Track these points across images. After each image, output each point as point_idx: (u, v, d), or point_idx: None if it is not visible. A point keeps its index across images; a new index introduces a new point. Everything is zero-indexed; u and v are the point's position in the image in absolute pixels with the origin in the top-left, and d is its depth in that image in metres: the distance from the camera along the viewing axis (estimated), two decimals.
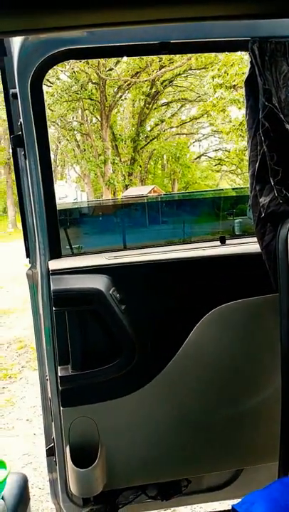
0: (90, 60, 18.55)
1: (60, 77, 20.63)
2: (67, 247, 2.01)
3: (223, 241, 1.92)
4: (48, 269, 1.71)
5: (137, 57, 18.77)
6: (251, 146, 1.57)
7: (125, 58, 19.41)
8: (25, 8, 0.58)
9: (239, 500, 1.96)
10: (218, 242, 1.94)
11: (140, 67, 21.88)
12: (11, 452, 3.38)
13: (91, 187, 26.41)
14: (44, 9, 0.59)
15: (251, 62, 1.49)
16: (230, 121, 16.14)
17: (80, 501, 1.91)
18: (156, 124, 29.11)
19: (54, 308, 1.69)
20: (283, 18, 0.73)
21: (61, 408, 1.74)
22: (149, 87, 24.58)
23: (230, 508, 2.32)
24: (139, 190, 23.10)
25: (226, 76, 12.19)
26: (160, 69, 21.23)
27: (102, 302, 1.68)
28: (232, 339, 1.84)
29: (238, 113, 14.79)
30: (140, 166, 27.68)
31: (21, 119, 1.58)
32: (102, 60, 19.23)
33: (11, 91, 1.58)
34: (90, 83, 22.03)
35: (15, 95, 1.56)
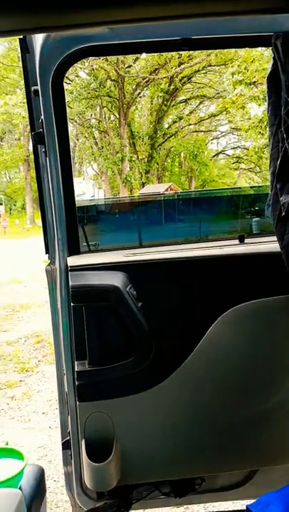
0: (109, 57, 18.58)
1: (79, 75, 20.72)
2: (84, 243, 2.03)
3: (242, 240, 1.91)
4: (67, 265, 1.73)
5: (156, 54, 18.71)
6: (273, 144, 1.55)
7: (144, 55, 19.38)
8: (47, 6, 0.59)
9: (253, 500, 1.96)
10: (236, 241, 1.93)
11: (159, 64, 21.82)
12: (27, 444, 3.43)
13: (108, 184, 26.49)
14: (66, 6, 0.59)
15: (274, 57, 1.47)
16: (250, 119, 15.98)
17: (94, 495, 1.93)
18: (174, 122, 29.02)
19: (72, 304, 1.71)
20: None
21: (77, 403, 1.76)
22: (167, 84, 24.51)
23: (243, 508, 2.31)
24: (155, 188, 23.09)
25: (246, 72, 12.07)
26: (179, 65, 21.14)
27: (119, 299, 1.69)
28: (249, 339, 1.83)
29: (258, 110, 14.64)
30: (157, 164, 27.66)
31: (42, 117, 1.59)
32: (120, 57, 19.24)
33: (33, 88, 1.59)
34: (108, 80, 22.07)
35: (36, 92, 1.57)
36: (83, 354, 1.75)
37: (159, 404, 1.81)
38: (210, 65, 23.10)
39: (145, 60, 21.55)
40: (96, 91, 21.38)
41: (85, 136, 25.59)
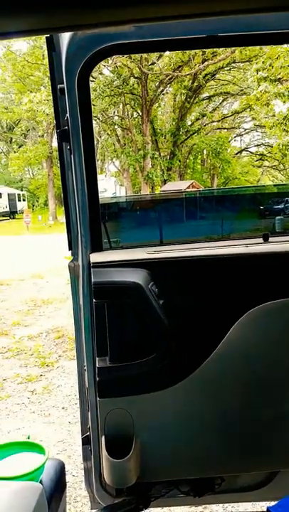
0: (132, 55, 18.57)
1: (102, 72, 20.80)
2: (105, 240, 2.04)
3: (266, 238, 1.88)
4: (89, 261, 1.74)
5: (180, 51, 18.61)
6: None
7: (168, 52, 19.31)
8: (74, 4, 0.59)
9: (273, 502, 1.94)
10: (259, 239, 1.90)
11: (182, 61, 21.71)
12: (47, 439, 3.48)
13: (130, 181, 26.55)
14: (92, 5, 0.59)
15: None
16: (274, 116, 15.73)
17: (113, 491, 1.94)
18: (197, 119, 28.85)
19: (94, 300, 1.72)
20: None
21: (98, 399, 1.77)
22: (191, 81, 24.35)
23: (263, 509, 2.29)
24: (177, 186, 23.01)
25: (271, 69, 11.89)
26: (203, 62, 20.97)
27: (140, 296, 1.70)
28: (271, 339, 1.80)
29: (283, 107, 14.40)
30: (179, 161, 27.56)
31: (68, 114, 1.60)
32: (144, 55, 19.21)
33: (59, 86, 1.61)
34: (131, 78, 22.08)
35: (62, 90, 1.58)
36: (104, 350, 1.76)
37: (179, 403, 1.80)
38: (234, 62, 22.86)
39: (169, 57, 21.46)
40: (119, 88, 21.42)
41: (108, 134, 25.70)
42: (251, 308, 1.73)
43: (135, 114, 25.99)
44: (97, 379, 1.75)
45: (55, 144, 30.61)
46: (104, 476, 1.84)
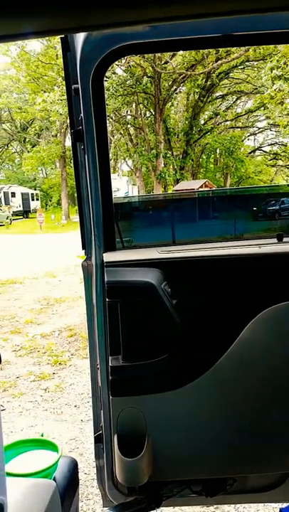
0: (146, 54, 18.55)
1: (115, 72, 20.83)
2: (117, 239, 2.04)
3: (280, 238, 1.87)
4: (103, 261, 1.75)
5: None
6: None
7: (181, 51, 19.24)
8: (89, 5, 0.59)
9: (286, 504, 1.92)
10: (273, 240, 1.89)
11: (196, 60, 21.62)
12: (59, 436, 3.51)
13: (142, 181, 26.55)
14: (107, 5, 0.59)
15: None
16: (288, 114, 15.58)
17: (125, 490, 1.95)
18: (210, 118, 28.72)
19: (107, 300, 1.73)
20: None
21: (110, 397, 1.78)
22: (204, 80, 24.25)
23: (274, 511, 2.28)
24: (190, 185, 22.95)
25: (286, 67, 11.78)
26: (216, 61, 20.85)
27: (153, 296, 1.70)
28: (285, 340, 1.79)
29: None
30: (192, 160, 27.48)
31: (82, 114, 1.61)
32: (157, 54, 19.19)
33: (73, 86, 1.61)
34: (144, 77, 22.07)
35: (76, 90, 1.59)
36: (117, 349, 1.77)
37: (191, 403, 1.80)
38: (248, 60, 22.70)
39: (182, 55, 21.40)
40: (132, 88, 21.42)
41: (121, 133, 25.74)
42: (264, 308, 1.72)
43: (148, 114, 25.97)
44: (110, 378, 1.75)
45: (68, 143, 30.79)
46: (117, 475, 1.84)
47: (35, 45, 32.75)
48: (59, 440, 3.36)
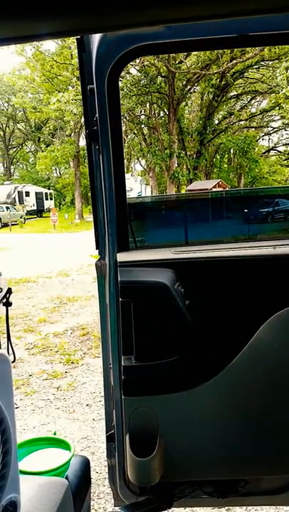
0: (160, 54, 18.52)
1: (130, 72, 20.85)
2: (130, 239, 2.05)
3: None
4: (116, 260, 1.76)
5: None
6: None
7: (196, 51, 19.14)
8: (105, 6, 0.59)
9: None
10: (287, 241, 1.87)
11: (210, 60, 21.51)
12: (71, 435, 3.53)
13: (155, 181, 26.54)
14: (123, 6, 0.59)
15: None
16: None
17: (136, 489, 1.95)
18: (225, 117, 28.57)
19: (120, 299, 1.73)
20: None
21: (123, 397, 1.78)
22: (218, 80, 24.13)
23: None
24: (203, 185, 22.87)
25: None
26: (231, 61, 20.73)
27: (166, 296, 1.70)
28: None
29: None
30: (206, 160, 27.37)
31: (97, 115, 1.62)
32: (172, 54, 19.15)
33: (88, 87, 1.62)
34: (159, 77, 22.05)
35: (92, 91, 1.60)
36: (130, 349, 1.77)
37: (204, 404, 1.80)
38: (263, 60, 22.51)
39: (196, 55, 21.31)
40: (146, 87, 21.42)
41: (134, 133, 25.76)
42: (278, 310, 1.71)
43: (162, 113, 25.95)
44: (123, 377, 1.76)
45: (82, 143, 30.96)
46: (128, 474, 1.85)
47: (50, 45, 32.92)
48: (71, 439, 3.38)
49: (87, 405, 4.05)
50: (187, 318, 1.73)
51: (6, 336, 1.44)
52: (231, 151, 31.30)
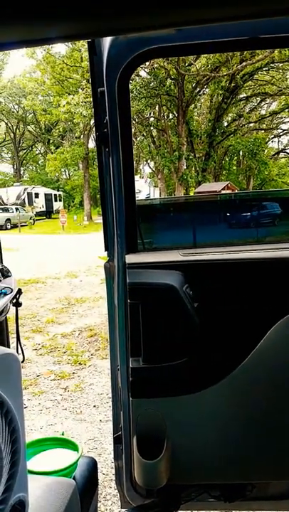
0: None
1: (139, 74, 20.89)
2: (138, 241, 2.05)
3: None
4: (125, 262, 1.76)
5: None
6: None
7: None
8: (116, 9, 0.60)
9: None
10: None
11: (220, 62, 21.48)
12: (78, 436, 3.53)
13: (164, 183, 26.54)
14: (134, 9, 0.60)
15: None
16: None
17: (143, 492, 1.95)
18: (234, 120, 28.51)
19: (128, 301, 1.73)
20: None
21: (130, 399, 1.79)
22: (228, 82, 24.09)
23: None
24: (212, 187, 22.82)
25: None
26: (241, 63, 20.68)
27: (175, 298, 1.70)
28: None
29: None
30: (214, 162, 27.31)
31: (107, 117, 1.63)
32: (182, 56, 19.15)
33: (99, 89, 1.63)
34: (168, 79, 22.07)
35: (102, 93, 1.61)
36: (138, 351, 1.77)
37: (212, 407, 1.79)
38: (273, 62, 22.42)
39: (206, 57, 21.29)
40: (156, 90, 21.45)
41: (143, 135, 25.78)
42: (287, 313, 1.70)
43: (171, 116, 25.96)
44: (130, 379, 1.76)
45: (91, 145, 31.05)
46: (135, 476, 1.85)
47: (60, 48, 33.18)
48: (78, 440, 3.38)
49: (94, 406, 4.05)
50: (195, 320, 1.73)
51: (15, 335, 1.45)
52: (240, 153, 31.19)
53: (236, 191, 22.35)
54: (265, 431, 1.82)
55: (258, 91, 27.05)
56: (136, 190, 1.82)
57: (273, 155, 33.13)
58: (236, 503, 1.95)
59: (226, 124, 27.97)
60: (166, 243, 2.88)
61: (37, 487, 1.30)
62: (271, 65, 23.16)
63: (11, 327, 1.58)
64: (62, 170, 39.67)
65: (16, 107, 41.29)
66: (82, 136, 32.02)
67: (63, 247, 17.18)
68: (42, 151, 46.67)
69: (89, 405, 4.08)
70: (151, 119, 25.40)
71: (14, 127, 43.15)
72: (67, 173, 43.74)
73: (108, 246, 1.86)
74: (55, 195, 38.46)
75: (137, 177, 28.20)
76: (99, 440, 3.48)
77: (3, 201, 32.50)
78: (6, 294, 1.17)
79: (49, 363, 5.14)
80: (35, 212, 32.78)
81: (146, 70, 20.88)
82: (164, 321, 1.76)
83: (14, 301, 1.30)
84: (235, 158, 33.93)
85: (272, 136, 33.36)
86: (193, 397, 1.75)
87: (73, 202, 40.04)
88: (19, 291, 1.30)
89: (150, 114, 24.88)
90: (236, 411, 1.80)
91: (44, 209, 36.07)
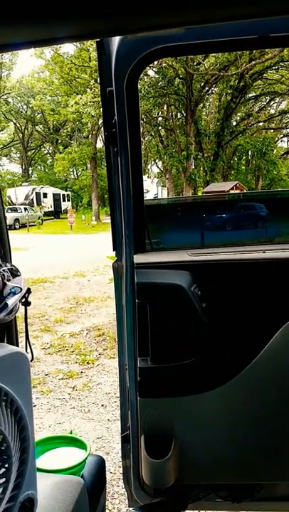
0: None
1: (147, 73, 20.88)
2: (146, 241, 2.05)
3: None
4: (133, 262, 1.76)
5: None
6: None
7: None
8: (125, 9, 0.60)
9: None
10: None
11: (229, 61, 21.40)
12: (86, 435, 3.55)
13: (172, 182, 26.51)
14: (143, 9, 0.60)
15: None
16: None
17: (151, 491, 1.95)
18: (243, 119, 28.38)
19: (137, 301, 1.74)
20: None
21: (138, 398, 1.79)
22: (237, 81, 23.98)
23: None
24: (220, 186, 22.73)
25: None
26: (250, 62, 20.58)
27: (183, 298, 1.70)
28: None
29: None
30: (223, 162, 27.22)
31: (116, 117, 1.63)
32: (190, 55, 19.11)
33: (108, 89, 1.63)
34: (176, 78, 22.03)
35: (111, 93, 1.61)
36: (146, 350, 1.77)
37: (220, 407, 1.79)
38: (282, 61, 22.28)
39: (215, 56, 21.22)
40: (164, 89, 21.42)
41: (151, 135, 25.77)
42: None
43: (179, 115, 25.92)
44: (138, 379, 1.76)
45: (99, 145, 31.09)
46: (143, 476, 1.85)
47: (68, 48, 33.26)
48: (86, 438, 3.39)
49: (102, 405, 4.06)
50: (203, 320, 1.73)
51: (24, 334, 1.46)
52: (249, 152, 31.07)
53: (245, 191, 22.25)
54: (274, 431, 1.81)
55: (267, 90, 26.90)
56: (144, 190, 1.82)
57: (282, 154, 32.93)
58: (244, 503, 1.94)
59: (234, 123, 27.85)
60: (173, 243, 2.88)
61: (46, 485, 1.30)
62: (281, 63, 23.00)
63: (20, 326, 1.59)
64: (71, 170, 39.79)
65: (25, 107, 41.51)
66: (90, 135, 32.10)
67: (71, 246, 17.24)
68: (50, 151, 46.86)
69: (97, 404, 4.10)
70: (160, 118, 25.37)
71: (23, 127, 43.37)
72: (75, 173, 43.87)
73: (116, 246, 1.86)
74: (63, 195, 38.59)
75: (144, 177, 28.14)
76: (107, 439, 3.49)
77: (11, 201, 32.69)
78: (15, 293, 1.18)
79: (57, 362, 5.17)
80: (43, 212, 32.94)
81: (154, 69, 20.86)
82: (172, 320, 1.75)
83: (23, 300, 1.30)
84: (244, 157, 33.81)
85: (282, 135, 33.18)
86: (201, 397, 1.75)
87: (81, 202, 40.16)
88: (28, 291, 1.30)
89: (158, 113, 24.85)
90: (244, 411, 1.79)
91: (52, 209, 36.22)
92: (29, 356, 1.02)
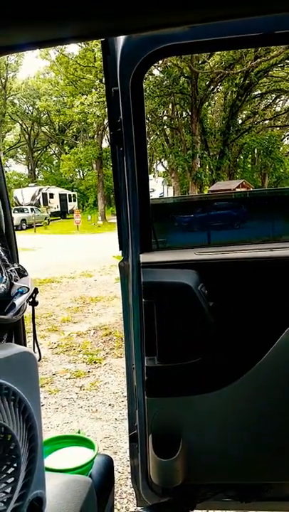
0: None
1: (152, 73, 20.87)
2: (152, 240, 2.05)
3: None
4: (139, 261, 1.76)
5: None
6: None
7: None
8: (129, 8, 0.60)
9: None
10: None
11: (234, 59, 21.31)
12: (93, 434, 3.55)
13: (178, 181, 26.47)
14: (147, 8, 0.60)
15: None
16: None
17: (159, 490, 1.95)
18: (248, 117, 28.27)
19: (143, 300, 1.74)
20: None
21: (146, 398, 1.79)
22: (242, 79, 23.88)
23: None
24: (226, 185, 22.67)
25: None
26: (255, 59, 20.49)
27: (189, 297, 1.69)
28: None
29: None
30: (229, 160, 27.12)
31: (121, 117, 1.63)
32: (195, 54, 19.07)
33: (113, 89, 1.63)
34: (181, 77, 22.00)
35: (116, 93, 1.61)
36: (153, 350, 1.77)
37: (227, 406, 1.78)
38: (288, 58, 22.14)
39: (220, 55, 21.16)
40: (169, 88, 21.40)
41: (157, 134, 25.75)
42: None
43: (184, 114, 25.87)
44: (146, 378, 1.76)
45: (104, 145, 31.13)
46: (151, 475, 1.85)
47: (73, 48, 33.34)
48: (93, 438, 3.40)
49: (109, 405, 4.07)
50: (210, 319, 1.72)
51: (31, 334, 1.47)
52: (255, 150, 30.95)
53: (251, 189, 22.17)
54: (281, 431, 1.80)
55: (273, 88, 26.76)
56: (150, 190, 1.82)
57: None
58: (252, 503, 1.94)
59: (240, 121, 27.75)
60: (180, 242, 2.87)
61: (54, 484, 1.31)
62: (286, 61, 22.85)
63: (28, 326, 1.59)
64: (77, 170, 39.85)
65: (31, 108, 41.66)
66: (95, 136, 32.14)
67: (78, 246, 17.29)
68: (56, 152, 47.00)
69: (104, 404, 4.10)
70: (165, 117, 25.35)
71: (29, 128, 43.54)
72: (81, 173, 43.95)
73: (122, 245, 1.86)
74: (69, 195, 38.69)
75: (150, 176, 28.13)
76: (114, 438, 3.49)
77: (18, 202, 32.83)
78: (22, 293, 1.18)
79: (65, 362, 5.18)
80: (50, 213, 33.05)
81: (159, 68, 20.84)
82: (178, 320, 1.75)
83: (31, 300, 1.31)
84: (250, 156, 33.69)
85: (288, 133, 32.99)
86: (208, 396, 1.74)
87: (87, 202, 40.22)
88: (35, 291, 1.31)
89: (163, 112, 24.83)
90: (251, 411, 1.79)
91: (59, 209, 36.33)
92: (37, 356, 1.02)
